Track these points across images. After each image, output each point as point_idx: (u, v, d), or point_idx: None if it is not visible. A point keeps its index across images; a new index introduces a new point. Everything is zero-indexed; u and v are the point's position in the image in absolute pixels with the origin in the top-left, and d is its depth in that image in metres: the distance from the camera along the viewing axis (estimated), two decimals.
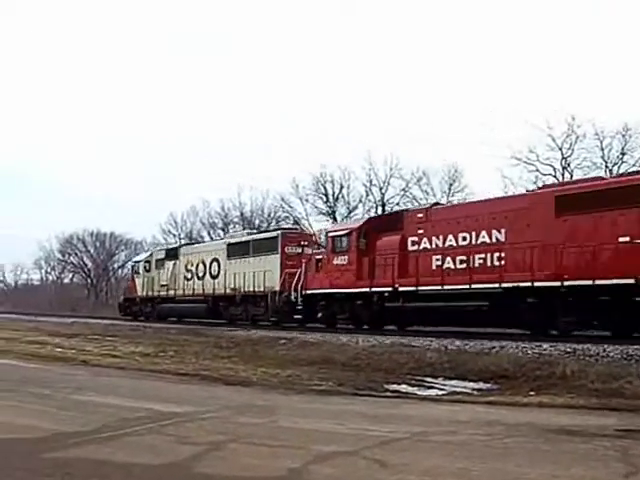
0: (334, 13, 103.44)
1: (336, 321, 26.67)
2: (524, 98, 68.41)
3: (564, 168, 41.58)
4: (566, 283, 18.58)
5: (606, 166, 40.04)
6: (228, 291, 33.48)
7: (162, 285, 39.44)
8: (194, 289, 36.52)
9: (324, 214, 53.45)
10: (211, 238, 59.23)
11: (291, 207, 57.50)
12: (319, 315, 27.49)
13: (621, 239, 17.57)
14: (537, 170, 41.50)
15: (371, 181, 53.36)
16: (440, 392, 12.94)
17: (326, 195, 55.34)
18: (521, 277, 19.75)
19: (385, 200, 52.34)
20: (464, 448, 7.35)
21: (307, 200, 56.17)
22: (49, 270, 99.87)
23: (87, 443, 7.70)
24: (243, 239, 34.50)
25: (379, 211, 48.86)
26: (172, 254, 40.09)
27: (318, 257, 27.92)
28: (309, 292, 27.46)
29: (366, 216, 32.25)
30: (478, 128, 76.79)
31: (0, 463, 6.84)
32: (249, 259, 32.51)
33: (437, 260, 22.48)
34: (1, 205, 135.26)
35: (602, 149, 40.49)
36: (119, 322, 37.79)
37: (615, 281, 17.38)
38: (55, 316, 49.07)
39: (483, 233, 21.34)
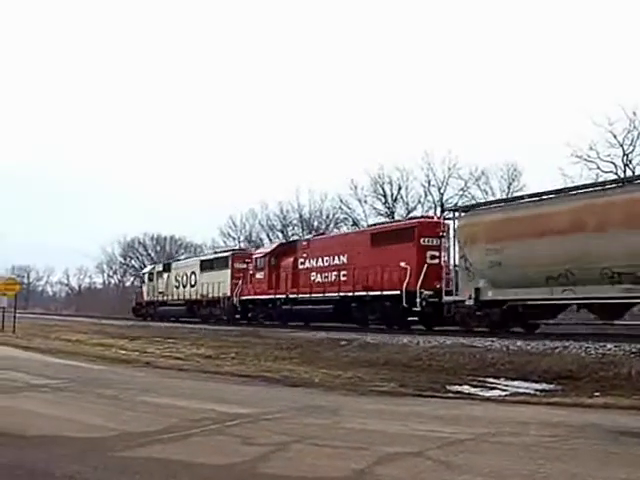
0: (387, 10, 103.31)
1: (260, 319, 34.76)
2: (585, 94, 67.43)
3: (626, 165, 40.70)
4: (370, 293, 26.84)
5: None
6: (199, 297, 42.34)
7: (160, 292, 48.34)
8: (179, 295, 45.49)
9: (383, 215, 53.14)
10: (270, 240, 59.56)
11: (350, 208, 57.49)
12: (249, 315, 36.22)
13: (401, 264, 25.01)
14: (598, 168, 40.69)
15: (429, 181, 53.01)
16: (503, 393, 12.82)
17: (384, 196, 55.11)
18: (349, 289, 28.13)
19: (444, 200, 51.88)
20: (530, 450, 7.24)
21: (366, 201, 56.10)
22: (111, 274, 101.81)
23: (153, 443, 7.82)
24: (209, 257, 44.54)
25: (438, 211, 48.50)
26: (167, 267, 49.14)
27: (250, 272, 36.03)
28: (242, 298, 36.43)
29: (277, 243, 42.17)
30: (538, 126, 75.64)
31: (75, 460, 7.03)
32: (212, 272, 41.18)
33: (311, 276, 30.79)
34: (67, 212, 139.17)
35: None
36: (179, 325, 38.50)
37: (389, 292, 25.54)
38: (117, 319, 50.23)
39: (335, 257, 29.57)
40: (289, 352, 20.80)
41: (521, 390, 13.06)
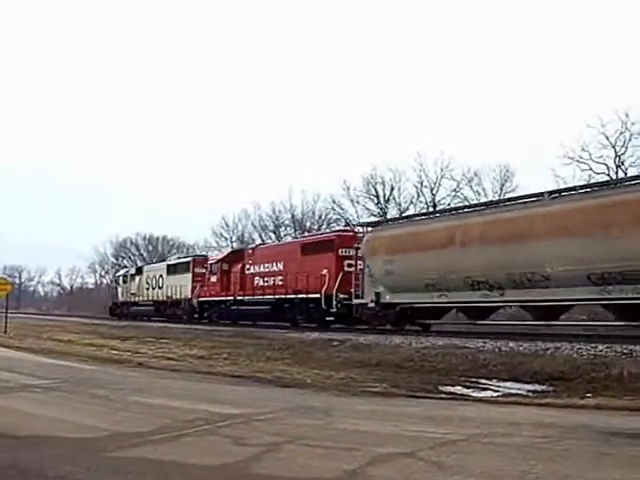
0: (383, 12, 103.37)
1: (214, 319, 38.51)
2: (578, 96, 67.62)
3: (618, 166, 40.79)
4: (298, 296, 30.39)
5: None
6: (165, 298, 46.16)
7: (132, 293, 52.18)
8: (148, 296, 49.25)
9: (375, 216, 53.11)
10: (262, 241, 59.62)
11: (342, 209, 57.52)
12: (205, 314, 40.32)
13: (322, 271, 28.85)
14: (590, 169, 40.81)
15: (422, 182, 53.06)
16: (495, 394, 12.85)
17: (377, 197, 55.17)
18: (282, 292, 31.70)
19: (436, 201, 51.95)
20: (522, 450, 7.26)
21: (358, 202, 56.13)
22: (103, 274, 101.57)
23: (146, 443, 7.81)
24: (174, 262, 49.40)
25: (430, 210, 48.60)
26: (139, 271, 53.30)
27: (207, 276, 39.92)
28: (200, 299, 40.70)
29: (229, 250, 45.84)
30: (531, 127, 75.89)
31: (68, 460, 7.04)
32: (176, 276, 45.04)
33: (255, 280, 34.58)
34: (67, 212, 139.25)
35: None
36: (171, 325, 38.51)
37: (313, 295, 29.23)
38: (109, 319, 51.19)
39: (274, 264, 33.23)
40: (281, 353, 20.80)
41: (513, 391, 13.09)
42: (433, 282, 22.87)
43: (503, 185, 50.13)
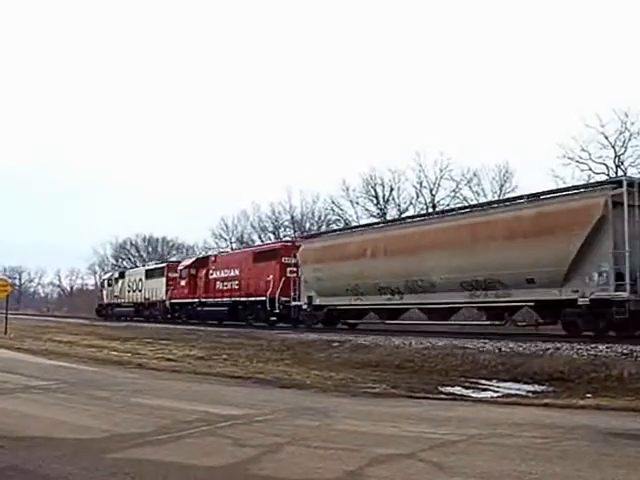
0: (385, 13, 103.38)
1: (184, 319, 42.21)
2: (578, 96, 67.58)
3: (617, 166, 40.68)
4: (250, 298, 34.12)
5: None
6: (143, 300, 49.77)
7: (115, 295, 55.72)
8: (130, 298, 52.69)
9: (375, 216, 53.02)
10: (262, 241, 59.64)
11: (342, 210, 57.33)
12: (176, 314, 43.93)
13: (269, 277, 32.49)
14: (589, 169, 40.72)
15: (421, 183, 52.90)
16: (495, 394, 12.85)
17: (376, 197, 54.99)
18: (238, 295, 35.52)
19: (435, 202, 51.79)
20: (522, 451, 7.26)
21: (357, 203, 55.98)
22: (103, 275, 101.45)
23: (146, 445, 7.82)
24: (151, 267, 52.55)
25: (430, 210, 48.48)
26: (122, 275, 56.82)
27: (178, 280, 43.97)
28: (172, 301, 44.56)
29: (195, 257, 49.45)
30: (531, 127, 75.88)
31: (67, 461, 7.04)
32: (153, 280, 48.57)
33: (217, 284, 38.31)
34: (67, 212, 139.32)
35: None
36: (171, 326, 38.67)
37: (260, 298, 32.82)
38: (109, 320, 52.08)
39: (232, 270, 36.87)
40: (281, 354, 20.79)
41: (513, 391, 13.09)
42: (351, 287, 26.76)
43: (502, 185, 49.92)
